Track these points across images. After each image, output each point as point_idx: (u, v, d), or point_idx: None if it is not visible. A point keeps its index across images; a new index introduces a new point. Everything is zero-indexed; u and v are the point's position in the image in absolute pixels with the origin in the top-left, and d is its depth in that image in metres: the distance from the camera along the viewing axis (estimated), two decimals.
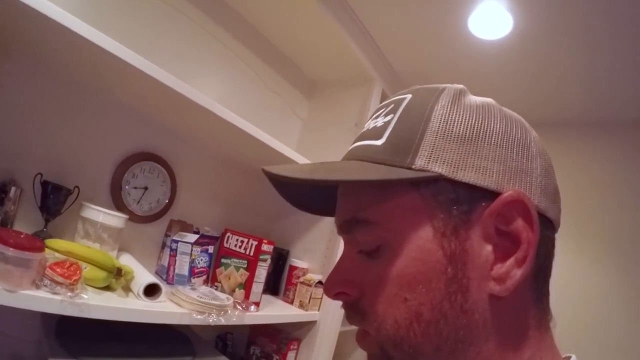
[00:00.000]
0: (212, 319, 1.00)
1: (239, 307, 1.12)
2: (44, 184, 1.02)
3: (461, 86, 0.40)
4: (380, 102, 1.52)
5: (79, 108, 1.12)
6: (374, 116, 0.44)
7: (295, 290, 1.49)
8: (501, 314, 0.35)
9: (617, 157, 1.76)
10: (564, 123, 1.89)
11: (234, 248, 1.28)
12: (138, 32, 1.25)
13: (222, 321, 1.03)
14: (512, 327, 0.35)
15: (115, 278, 0.94)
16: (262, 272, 1.24)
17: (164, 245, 1.27)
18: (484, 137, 0.36)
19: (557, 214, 0.39)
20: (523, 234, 0.34)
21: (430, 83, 0.43)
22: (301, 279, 1.49)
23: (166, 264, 1.19)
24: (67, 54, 0.93)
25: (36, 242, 0.80)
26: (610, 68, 1.46)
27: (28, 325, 1.03)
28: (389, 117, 0.40)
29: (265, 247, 1.25)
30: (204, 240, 1.24)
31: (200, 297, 1.03)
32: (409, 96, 0.41)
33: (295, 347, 1.46)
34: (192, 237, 1.21)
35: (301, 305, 1.45)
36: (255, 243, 1.25)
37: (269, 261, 1.27)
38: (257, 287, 1.22)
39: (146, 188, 1.27)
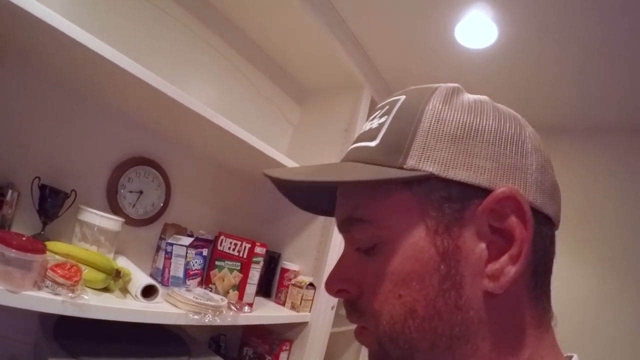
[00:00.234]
0: (208, 319, 1.03)
1: (233, 307, 1.15)
2: (42, 188, 1.04)
3: (455, 85, 0.41)
4: (369, 109, 1.57)
5: (76, 113, 1.14)
6: (371, 118, 0.45)
7: (287, 292, 1.52)
8: (497, 311, 0.35)
9: (608, 163, 1.79)
10: (550, 129, 1.94)
11: (227, 251, 1.31)
12: (133, 38, 1.27)
13: (218, 321, 1.06)
14: (509, 325, 0.36)
15: (114, 280, 0.96)
16: (255, 274, 1.27)
17: (158, 248, 1.29)
18: (475, 135, 0.36)
19: (555, 210, 0.39)
20: (516, 230, 0.34)
21: None
22: (293, 281, 1.52)
23: (161, 267, 1.22)
24: (63, 59, 0.95)
25: (38, 244, 0.82)
26: (595, 75, 1.51)
27: (25, 327, 1.05)
28: (383, 119, 0.41)
29: (258, 249, 1.28)
30: (198, 243, 1.27)
31: (196, 298, 1.06)
32: (403, 97, 0.42)
33: (287, 347, 1.50)
34: (187, 240, 1.24)
35: (293, 307, 1.49)
36: (248, 246, 1.28)
37: (261, 263, 1.31)
38: (251, 288, 1.26)
39: (141, 192, 1.30)
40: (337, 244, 1.58)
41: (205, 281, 1.30)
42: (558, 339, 0.38)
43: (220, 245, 1.33)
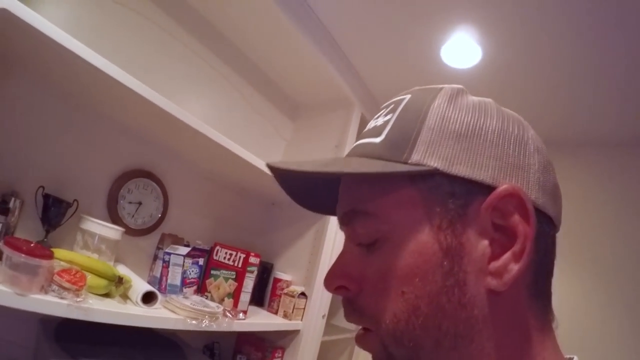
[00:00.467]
0: (205, 324, 1.07)
1: (228, 314, 1.19)
2: (46, 197, 1.08)
3: (459, 86, 0.41)
4: (359, 126, 1.64)
5: (79, 126, 1.19)
6: (375, 117, 0.45)
7: (280, 301, 1.57)
8: (500, 310, 0.35)
9: (596, 177, 1.85)
10: None
11: (223, 260, 1.36)
12: (132, 55, 1.33)
13: (214, 327, 1.11)
14: (513, 326, 0.35)
15: (116, 286, 1.01)
16: (249, 282, 1.32)
17: (155, 257, 1.34)
18: (479, 133, 0.37)
19: (556, 211, 0.39)
20: (519, 227, 0.34)
21: None
22: (285, 291, 1.57)
23: (158, 275, 1.26)
24: (68, 74, 1.00)
25: (45, 251, 0.87)
26: (577, 94, 1.59)
27: (25, 331, 1.08)
28: (388, 117, 0.41)
29: (252, 259, 1.34)
30: (195, 252, 1.32)
31: (193, 305, 1.11)
32: (408, 96, 0.42)
33: (280, 355, 1.53)
34: (184, 250, 1.29)
35: (285, 315, 1.53)
36: (243, 256, 1.34)
37: (255, 273, 1.36)
38: (245, 296, 1.31)
39: (140, 203, 1.34)
40: (328, 256, 1.63)
41: (202, 289, 1.34)
42: (559, 341, 0.38)
43: (216, 255, 1.38)
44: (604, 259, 1.76)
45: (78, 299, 0.87)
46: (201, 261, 1.34)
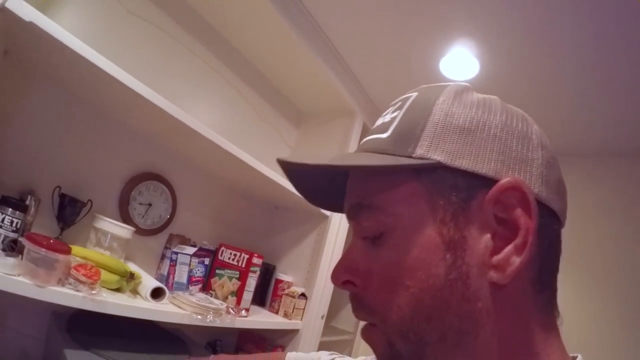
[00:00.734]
0: (209, 319, 1.14)
1: (231, 311, 1.25)
2: (62, 196, 1.15)
3: (465, 84, 0.42)
4: (361, 133, 1.71)
5: (94, 130, 1.26)
6: (384, 114, 0.45)
7: (281, 301, 1.63)
8: (504, 305, 0.35)
9: (588, 186, 1.90)
10: None
11: (227, 260, 1.42)
12: (145, 62, 1.40)
13: (218, 322, 1.17)
14: (517, 321, 0.35)
15: (127, 281, 1.07)
16: (252, 282, 1.38)
17: (163, 256, 1.40)
18: (483, 128, 0.37)
19: (561, 206, 0.39)
20: (521, 220, 0.34)
21: None
22: (286, 291, 1.63)
23: (166, 273, 1.32)
24: (85, 82, 1.07)
25: (64, 246, 0.93)
26: (572, 105, 1.64)
27: (37, 324, 1.14)
28: (395, 113, 0.42)
29: (255, 260, 1.40)
30: (201, 252, 1.38)
31: (199, 301, 1.17)
32: (415, 94, 0.43)
33: None
34: (191, 250, 1.35)
35: (285, 315, 1.59)
36: (247, 256, 1.40)
37: (258, 273, 1.42)
38: (248, 295, 1.37)
39: (150, 204, 1.41)
40: (328, 258, 1.69)
41: (207, 287, 1.41)
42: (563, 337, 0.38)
43: (221, 255, 1.44)
44: (598, 267, 1.79)
45: (93, 292, 0.93)
46: (207, 261, 1.40)
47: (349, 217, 0.44)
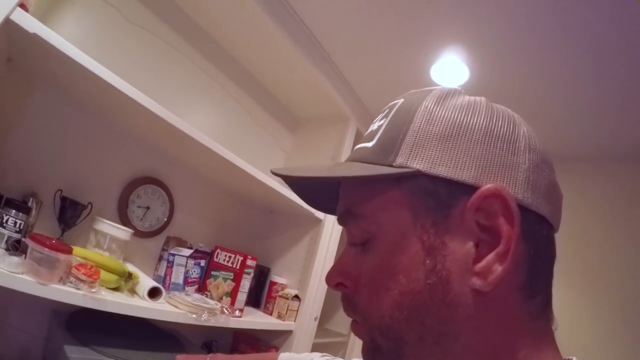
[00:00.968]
0: (204, 318, 1.18)
1: (225, 311, 1.29)
2: (63, 199, 1.19)
3: (453, 87, 0.42)
4: (355, 139, 1.76)
5: (95, 135, 1.31)
6: (374, 121, 0.46)
7: (275, 303, 1.66)
8: (488, 310, 0.35)
9: (583, 191, 1.92)
10: None
11: (222, 262, 1.46)
12: (144, 71, 1.45)
13: (212, 321, 1.21)
14: (502, 325, 0.35)
15: (125, 281, 1.11)
16: (246, 283, 1.42)
17: (161, 258, 1.44)
18: (464, 134, 0.37)
19: (551, 211, 0.38)
20: (503, 228, 0.34)
21: None
22: (280, 293, 1.66)
23: (163, 274, 1.36)
24: (85, 89, 1.11)
25: (65, 246, 0.97)
26: (562, 112, 1.67)
27: (37, 322, 1.17)
28: (382, 122, 0.43)
29: (250, 262, 1.44)
30: (197, 254, 1.42)
31: (194, 301, 1.21)
32: (401, 100, 0.43)
33: None
34: (187, 252, 1.39)
35: (279, 316, 1.63)
36: (241, 258, 1.44)
37: (252, 274, 1.46)
38: (242, 296, 1.41)
39: (148, 208, 1.46)
40: (321, 261, 1.73)
41: (202, 288, 1.45)
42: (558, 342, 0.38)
43: (216, 257, 1.49)
44: (592, 269, 1.81)
45: (92, 290, 0.97)
46: (203, 262, 1.45)
47: (340, 224, 0.46)
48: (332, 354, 2.04)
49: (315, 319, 1.73)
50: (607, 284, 1.77)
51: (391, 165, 0.38)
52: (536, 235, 0.36)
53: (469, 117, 0.38)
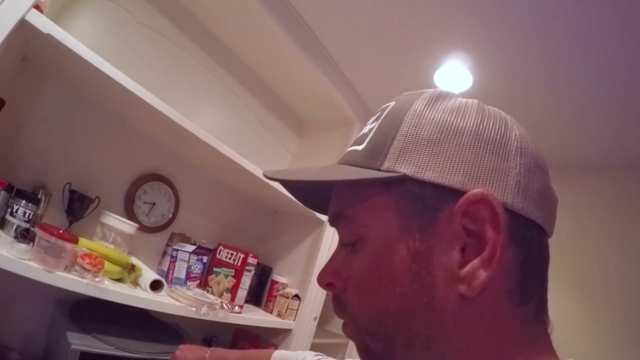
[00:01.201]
0: (203, 312, 1.20)
1: (225, 307, 1.32)
2: (72, 192, 1.23)
3: (446, 90, 0.42)
4: None
5: (104, 132, 1.36)
6: (366, 124, 0.46)
7: (275, 301, 1.69)
8: (476, 314, 0.34)
9: (584, 199, 1.92)
10: None
11: (224, 259, 1.49)
12: (154, 71, 1.50)
13: (211, 315, 1.24)
14: (493, 330, 0.35)
15: (128, 272, 1.15)
16: (246, 280, 1.45)
17: (164, 253, 1.48)
18: (453, 137, 0.36)
19: (544, 215, 0.37)
20: (488, 233, 0.34)
21: None
22: (280, 292, 1.69)
23: (166, 269, 1.39)
24: (97, 88, 1.16)
25: (72, 236, 1.01)
26: (565, 120, 1.68)
27: (43, 309, 1.22)
28: (373, 124, 0.42)
29: (251, 259, 1.47)
30: (200, 250, 1.46)
31: (195, 295, 1.24)
32: (393, 103, 0.43)
33: None
34: (190, 248, 1.43)
35: (279, 315, 1.65)
36: (242, 256, 1.47)
37: (252, 272, 1.49)
38: (242, 292, 1.44)
39: (154, 204, 1.50)
40: (323, 262, 1.74)
41: (204, 284, 1.48)
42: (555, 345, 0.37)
43: (219, 254, 1.52)
44: (593, 279, 1.80)
45: (96, 280, 1.00)
46: (205, 259, 1.48)
47: (331, 225, 0.46)
48: (332, 356, 2.05)
49: (315, 319, 1.75)
50: (607, 290, 1.77)
51: (379, 170, 0.38)
52: (526, 240, 0.36)
53: (458, 120, 0.37)
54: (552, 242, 0.39)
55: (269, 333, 1.70)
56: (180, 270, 1.38)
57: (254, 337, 1.68)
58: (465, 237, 0.35)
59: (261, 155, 1.94)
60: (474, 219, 0.34)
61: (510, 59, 1.44)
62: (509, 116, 0.40)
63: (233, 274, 1.44)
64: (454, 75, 1.63)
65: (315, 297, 1.74)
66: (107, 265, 1.09)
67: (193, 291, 1.30)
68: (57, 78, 1.22)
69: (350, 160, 0.42)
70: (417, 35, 1.47)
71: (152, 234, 1.50)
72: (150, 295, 1.15)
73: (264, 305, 1.76)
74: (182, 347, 0.95)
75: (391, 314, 0.36)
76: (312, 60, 1.64)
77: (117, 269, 1.13)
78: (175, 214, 1.56)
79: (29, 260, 0.90)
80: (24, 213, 1.05)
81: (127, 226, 1.28)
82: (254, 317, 1.50)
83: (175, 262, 1.39)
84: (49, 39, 0.88)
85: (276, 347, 1.67)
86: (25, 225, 1.04)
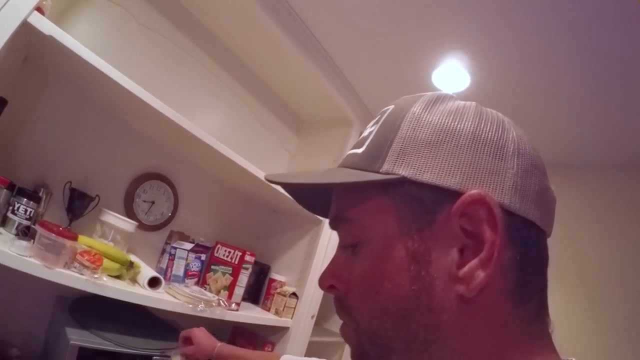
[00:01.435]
0: (200, 308, 1.22)
1: (222, 304, 1.34)
2: (72, 190, 1.25)
3: (444, 93, 0.42)
4: None
5: (104, 132, 1.37)
6: (366, 127, 0.46)
7: (273, 299, 1.71)
8: (475, 315, 0.35)
9: (581, 199, 1.92)
10: None
11: (222, 257, 1.51)
12: (154, 72, 1.51)
13: (208, 312, 1.25)
14: (491, 330, 0.35)
15: (127, 269, 1.17)
16: (243, 278, 1.47)
17: (163, 251, 1.49)
18: (451, 139, 0.37)
19: (542, 215, 0.37)
20: (486, 234, 0.34)
21: None
22: (278, 290, 1.71)
23: (165, 266, 1.41)
24: (98, 89, 1.18)
25: (72, 233, 1.03)
26: (562, 120, 1.69)
27: (43, 305, 1.24)
28: (373, 128, 0.43)
29: (248, 257, 1.49)
30: (198, 248, 1.48)
31: (192, 292, 1.26)
32: (392, 107, 0.43)
33: (270, 349, 1.67)
34: (189, 246, 1.45)
35: (276, 312, 1.67)
36: (240, 254, 1.49)
37: (250, 270, 1.51)
38: (239, 290, 1.46)
39: (153, 202, 1.52)
40: (320, 261, 1.77)
41: (202, 282, 1.50)
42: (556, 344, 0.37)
43: (217, 252, 1.54)
44: (592, 279, 1.81)
45: (95, 276, 1.02)
46: (203, 257, 1.50)
47: (331, 227, 0.46)
48: (328, 354, 2.07)
49: (312, 317, 1.77)
50: (607, 290, 1.77)
51: (378, 172, 0.38)
52: (525, 240, 0.36)
53: (456, 123, 0.38)
54: (551, 242, 0.39)
55: (266, 331, 1.72)
56: (178, 268, 1.40)
57: (252, 334, 1.70)
58: (463, 237, 0.35)
59: (260, 155, 1.96)
60: (472, 219, 0.35)
61: (508, 59, 1.44)
62: (507, 118, 0.41)
63: (230, 272, 1.46)
64: (452, 74, 1.63)
65: (313, 295, 1.75)
66: (106, 262, 1.11)
67: (191, 288, 1.32)
68: (59, 78, 1.23)
69: (350, 163, 0.43)
70: (415, 35, 1.48)
71: (151, 232, 1.52)
72: (148, 292, 1.17)
73: (261, 303, 1.78)
74: (198, 330, 0.95)
75: (391, 317, 0.37)
76: (311, 60, 1.66)
77: (116, 266, 1.15)
78: (174, 212, 1.58)
79: (30, 256, 0.92)
80: (25, 211, 1.07)
81: (126, 224, 1.30)
82: (252, 314, 1.52)
83: (173, 259, 1.41)
84: (50, 40, 0.90)
85: (274, 345, 1.69)
86: (26, 222, 1.06)
